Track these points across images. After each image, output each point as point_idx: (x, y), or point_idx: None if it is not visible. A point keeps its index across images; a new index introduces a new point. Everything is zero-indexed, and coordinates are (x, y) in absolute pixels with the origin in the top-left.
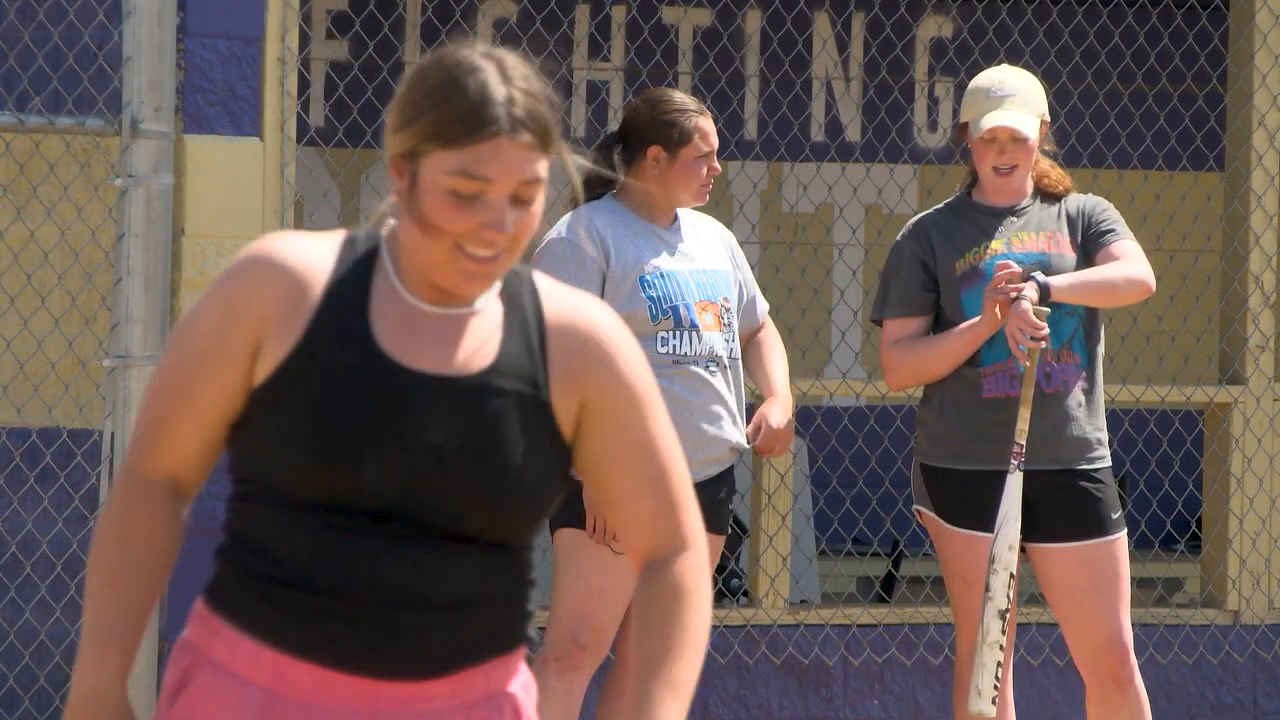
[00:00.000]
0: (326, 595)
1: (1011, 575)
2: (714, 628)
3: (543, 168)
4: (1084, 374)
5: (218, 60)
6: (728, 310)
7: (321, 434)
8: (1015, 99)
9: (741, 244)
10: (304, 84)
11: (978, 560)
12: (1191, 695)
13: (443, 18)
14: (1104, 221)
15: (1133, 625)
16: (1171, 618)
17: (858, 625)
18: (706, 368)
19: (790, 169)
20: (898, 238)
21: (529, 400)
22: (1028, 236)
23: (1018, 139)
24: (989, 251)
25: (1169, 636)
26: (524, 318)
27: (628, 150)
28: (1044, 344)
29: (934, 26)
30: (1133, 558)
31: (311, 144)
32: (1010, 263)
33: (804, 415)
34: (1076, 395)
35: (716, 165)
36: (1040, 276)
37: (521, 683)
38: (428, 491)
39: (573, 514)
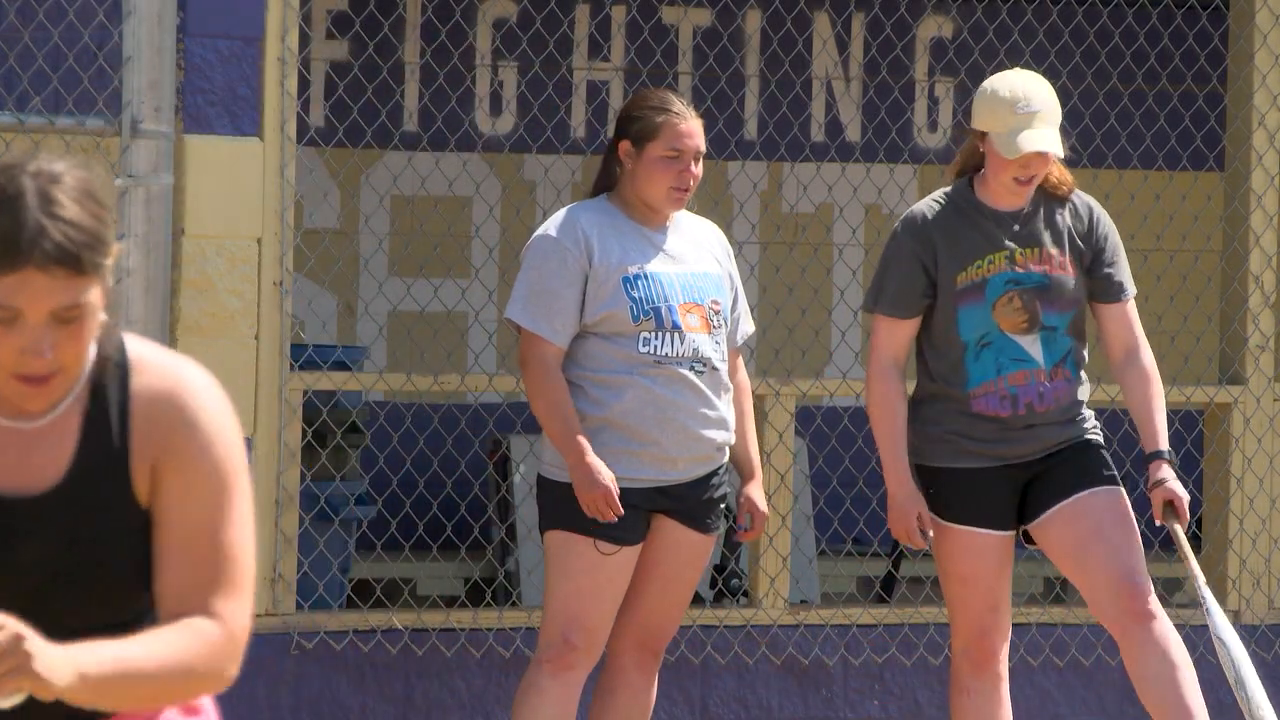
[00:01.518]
0: None
1: None
2: (714, 628)
3: (84, 292)
4: (1074, 385)
5: (218, 60)
6: (717, 313)
7: None
8: (1043, 115)
9: (741, 244)
10: (304, 84)
11: (973, 556)
12: None
13: (443, 18)
14: (1114, 262)
15: None
16: (1171, 617)
17: (858, 625)
18: (692, 369)
19: (790, 169)
20: (897, 228)
21: (114, 494)
22: (1030, 254)
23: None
24: (992, 268)
25: None
26: (107, 407)
27: (614, 149)
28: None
29: (934, 26)
30: None
31: (311, 144)
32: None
33: (804, 415)
34: (1065, 403)
35: (694, 170)
36: (1168, 461)
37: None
38: (23, 610)
39: (560, 516)
